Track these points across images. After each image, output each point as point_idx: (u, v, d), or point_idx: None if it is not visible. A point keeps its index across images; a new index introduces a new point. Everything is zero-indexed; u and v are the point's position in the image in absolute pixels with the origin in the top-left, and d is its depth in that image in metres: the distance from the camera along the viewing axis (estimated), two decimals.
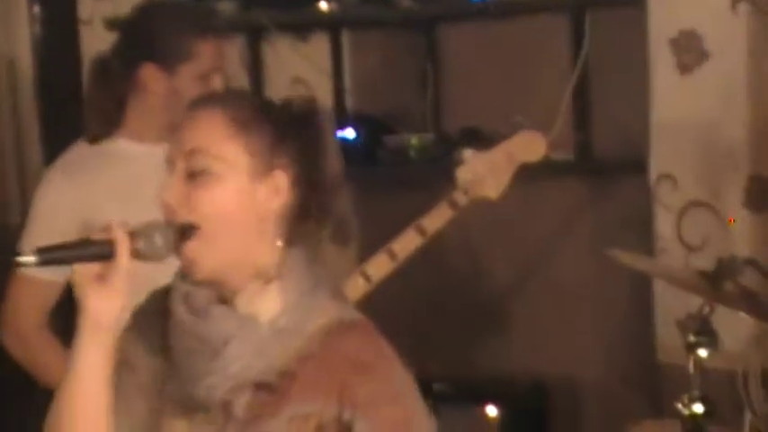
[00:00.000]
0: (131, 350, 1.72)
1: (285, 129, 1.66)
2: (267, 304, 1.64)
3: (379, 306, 2.55)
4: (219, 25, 2.59)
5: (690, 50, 3.03)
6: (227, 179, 1.62)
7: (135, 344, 1.72)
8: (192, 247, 1.62)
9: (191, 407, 1.65)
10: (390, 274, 2.54)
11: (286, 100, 1.71)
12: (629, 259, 2.56)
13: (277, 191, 1.64)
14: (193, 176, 1.62)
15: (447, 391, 3.36)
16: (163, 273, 1.70)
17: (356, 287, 2.55)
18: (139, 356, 1.72)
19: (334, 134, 1.72)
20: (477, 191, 2.55)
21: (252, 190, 1.63)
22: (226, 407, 1.63)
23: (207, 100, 1.70)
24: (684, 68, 3.04)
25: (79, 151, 2.61)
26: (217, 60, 2.51)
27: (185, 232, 1.62)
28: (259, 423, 1.62)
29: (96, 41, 3.75)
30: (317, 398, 1.61)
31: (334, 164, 1.69)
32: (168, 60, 2.47)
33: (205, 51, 2.49)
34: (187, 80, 2.48)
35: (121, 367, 1.69)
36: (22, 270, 2.40)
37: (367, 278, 2.57)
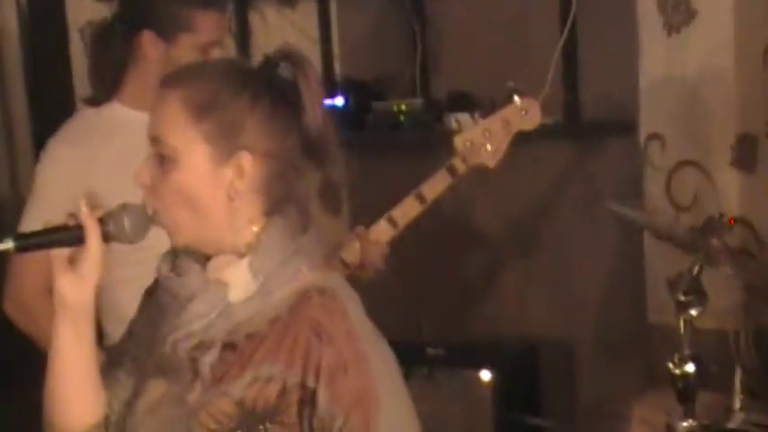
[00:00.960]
0: (137, 322, 1.77)
1: (253, 99, 1.63)
2: (237, 273, 1.64)
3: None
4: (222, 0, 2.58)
5: (677, 10, 3.03)
6: (188, 166, 1.62)
7: (141, 317, 1.77)
8: (162, 223, 1.65)
9: (166, 367, 1.67)
10: (391, 241, 2.56)
11: (267, 58, 1.67)
12: (625, 210, 2.55)
13: (241, 172, 1.62)
14: (160, 161, 1.63)
15: (440, 355, 3.37)
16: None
17: (356, 255, 2.56)
18: (142, 326, 1.76)
19: (316, 86, 1.66)
20: (474, 158, 2.57)
21: (215, 174, 1.62)
22: (193, 364, 1.65)
23: (171, 80, 1.67)
24: (672, 28, 3.04)
25: (81, 118, 2.63)
26: (216, 34, 2.51)
27: (154, 216, 1.65)
28: (222, 383, 1.63)
29: (82, 11, 3.74)
30: (279, 360, 1.61)
31: (318, 116, 1.65)
32: (168, 29, 2.47)
33: (205, 24, 2.48)
34: (186, 50, 2.48)
35: (126, 339, 1.76)
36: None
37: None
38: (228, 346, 1.64)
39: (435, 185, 2.57)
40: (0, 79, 3.74)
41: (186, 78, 1.66)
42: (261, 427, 1.60)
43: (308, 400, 1.59)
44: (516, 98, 2.61)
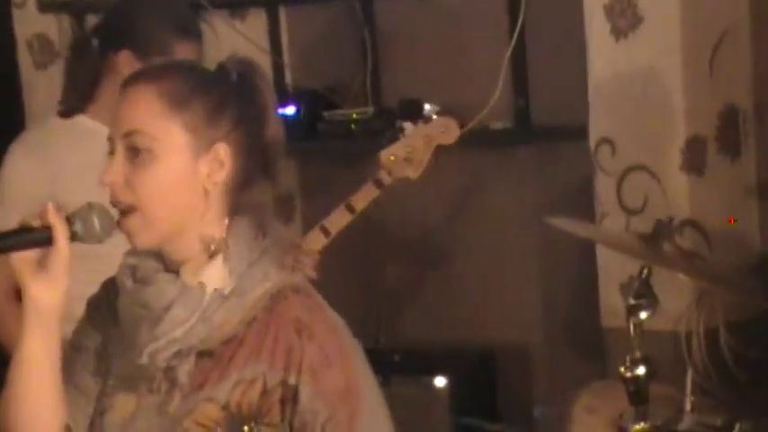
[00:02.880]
0: (83, 334, 1.75)
1: (223, 96, 1.65)
2: (212, 274, 1.64)
3: (325, 277, 2.56)
4: (199, 29, 2.66)
5: (624, 15, 3.05)
6: (168, 158, 1.62)
7: (86, 328, 1.75)
8: (132, 222, 1.62)
9: (136, 379, 1.66)
10: (323, 250, 2.72)
11: (221, 65, 1.69)
12: (569, 226, 2.58)
13: (220, 164, 1.64)
14: (134, 157, 1.62)
15: (396, 362, 3.37)
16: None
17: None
18: (89, 339, 1.74)
19: (273, 93, 1.70)
20: (398, 171, 2.78)
21: (193, 166, 1.63)
22: (169, 374, 1.64)
23: (141, 76, 1.67)
24: (619, 33, 3.06)
25: (47, 125, 2.66)
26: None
27: (126, 211, 1.62)
28: (204, 389, 1.63)
29: (30, 24, 3.72)
30: (261, 361, 1.61)
31: (274, 125, 1.68)
32: (145, 51, 2.53)
33: (181, 51, 2.55)
34: None
35: (73, 352, 1.72)
36: None
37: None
38: (205, 354, 1.64)
39: (364, 197, 2.77)
40: None
41: (158, 74, 1.67)
42: (246, 429, 1.60)
43: (289, 397, 1.60)
44: (435, 116, 2.97)
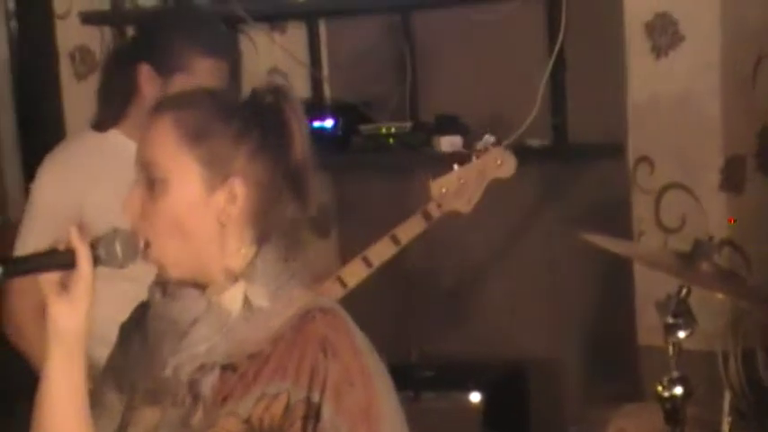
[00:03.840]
0: (116, 355, 1.78)
1: (243, 127, 1.65)
2: (234, 296, 1.66)
3: (358, 295, 2.57)
4: (226, 47, 2.60)
5: (665, 33, 3.05)
6: (181, 191, 1.63)
7: (120, 349, 1.78)
8: (153, 254, 1.65)
9: (161, 393, 1.67)
10: (365, 281, 2.65)
11: (251, 94, 1.70)
12: (607, 243, 2.58)
13: (233, 198, 1.64)
14: (150, 187, 1.64)
15: (429, 377, 3.37)
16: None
17: (332, 292, 2.62)
18: (122, 358, 1.76)
19: (302, 120, 1.69)
20: (449, 204, 2.68)
21: (207, 199, 1.64)
22: (193, 387, 1.65)
23: (163, 106, 1.68)
24: (660, 51, 3.06)
25: (80, 140, 2.64)
26: (212, 80, 2.52)
27: (146, 245, 1.65)
28: (228, 403, 1.63)
29: (72, 36, 3.76)
30: (286, 377, 1.62)
31: (301, 151, 1.67)
32: (165, 66, 2.50)
33: (203, 69, 2.50)
34: (179, 89, 2.50)
35: (106, 371, 1.76)
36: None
37: (343, 284, 2.64)
38: (228, 368, 1.65)
39: (410, 229, 2.68)
40: None
41: (178, 104, 1.68)
42: None
43: (312, 414, 1.60)
44: (492, 148, 2.73)
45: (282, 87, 1.71)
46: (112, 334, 1.82)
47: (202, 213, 1.64)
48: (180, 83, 2.48)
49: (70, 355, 1.64)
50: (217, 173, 1.63)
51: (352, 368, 1.62)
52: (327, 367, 1.61)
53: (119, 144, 2.56)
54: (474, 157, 2.71)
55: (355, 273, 2.64)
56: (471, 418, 3.22)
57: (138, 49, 2.56)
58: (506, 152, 2.74)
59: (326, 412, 1.60)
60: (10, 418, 3.15)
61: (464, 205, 2.69)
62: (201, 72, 2.49)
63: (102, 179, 2.51)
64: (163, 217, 1.63)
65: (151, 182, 1.64)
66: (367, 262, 2.64)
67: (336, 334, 1.64)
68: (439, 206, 2.67)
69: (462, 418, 3.23)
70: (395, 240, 2.66)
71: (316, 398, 1.60)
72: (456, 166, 2.70)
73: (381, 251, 2.65)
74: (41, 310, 2.59)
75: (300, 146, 1.67)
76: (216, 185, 1.63)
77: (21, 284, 2.54)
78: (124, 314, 1.82)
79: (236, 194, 1.64)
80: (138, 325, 1.75)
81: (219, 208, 1.64)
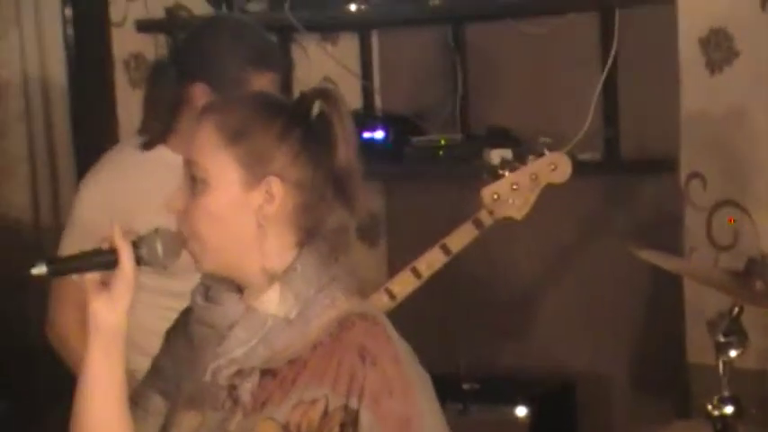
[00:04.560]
0: (161, 360, 1.79)
1: (285, 129, 1.66)
2: (272, 297, 1.66)
3: (405, 305, 2.57)
4: (277, 59, 2.57)
5: (720, 49, 3.02)
6: (219, 189, 1.65)
7: (164, 354, 1.79)
8: (192, 247, 1.68)
9: (202, 397, 1.68)
10: (414, 292, 2.58)
11: (298, 96, 1.71)
12: (659, 259, 2.55)
13: (271, 197, 1.65)
14: (193, 185, 1.67)
15: (476, 390, 3.36)
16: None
17: (381, 304, 2.56)
18: (167, 363, 1.78)
19: (349, 124, 1.69)
20: (501, 211, 2.59)
21: (245, 198, 1.65)
22: (232, 392, 1.66)
23: (208, 109, 1.71)
24: (714, 67, 3.04)
25: (123, 156, 2.61)
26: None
27: (184, 240, 1.67)
28: (266, 409, 1.64)
29: (128, 43, 3.78)
30: (324, 384, 1.62)
31: (347, 156, 1.68)
32: (220, 84, 2.45)
33: (257, 83, 2.47)
34: None
35: (151, 376, 1.77)
36: None
37: (392, 296, 2.58)
38: (268, 373, 1.66)
39: (461, 238, 2.59)
40: (45, 110, 3.78)
41: (222, 106, 1.72)
42: None
43: (349, 422, 1.60)
44: (546, 152, 2.63)
45: (330, 91, 1.71)
46: (149, 344, 1.84)
47: (240, 212, 1.65)
48: None
49: (109, 350, 1.66)
50: (254, 172, 1.65)
51: (391, 377, 1.62)
52: (366, 374, 1.61)
53: (163, 159, 2.52)
54: (527, 162, 2.61)
55: (404, 284, 2.59)
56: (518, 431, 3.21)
57: (189, 65, 2.51)
58: (561, 156, 2.65)
59: (365, 419, 1.60)
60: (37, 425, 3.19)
61: (517, 211, 2.60)
62: (257, 87, 2.46)
63: (151, 197, 2.49)
64: (203, 214, 1.66)
65: (193, 180, 1.67)
66: (416, 273, 2.59)
67: (375, 341, 1.64)
68: (491, 213, 2.59)
69: (508, 431, 3.22)
70: (445, 250, 2.59)
71: (354, 404, 1.60)
72: (507, 173, 2.61)
73: (431, 261, 2.59)
74: (84, 324, 2.62)
75: (345, 150, 1.68)
76: (253, 184, 1.65)
77: (62, 294, 2.57)
78: (163, 326, 1.83)
79: (274, 194, 1.65)
80: (183, 330, 1.77)
81: (256, 207, 1.65)
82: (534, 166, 2.62)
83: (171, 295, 1.83)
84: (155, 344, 1.83)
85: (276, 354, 1.65)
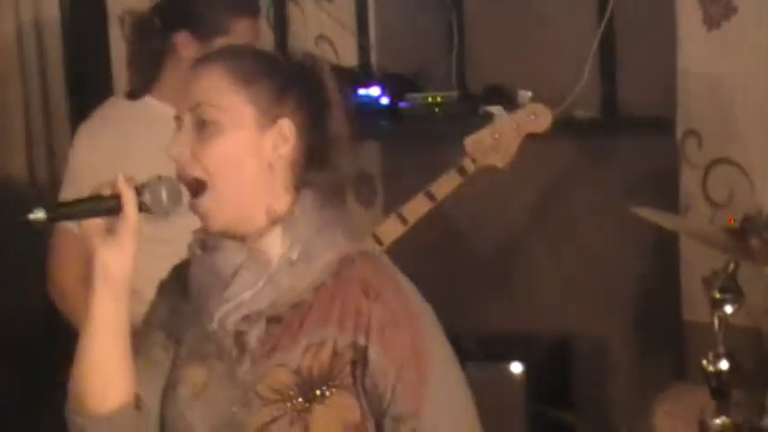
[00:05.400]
0: (155, 314, 1.78)
1: (288, 79, 1.70)
2: (274, 240, 1.68)
3: (402, 262, 2.56)
4: (256, 3, 2.64)
5: (717, 5, 3.01)
6: (233, 130, 1.66)
7: (159, 309, 1.78)
8: (204, 202, 1.66)
9: (207, 349, 1.69)
10: (400, 238, 2.64)
11: (287, 53, 1.75)
12: (656, 217, 2.56)
13: (284, 138, 1.68)
14: (201, 129, 1.66)
15: (472, 348, 3.37)
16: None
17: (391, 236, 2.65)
18: (163, 318, 1.77)
19: (339, 89, 1.73)
20: (484, 159, 2.67)
21: (258, 139, 1.67)
22: (239, 339, 1.67)
23: (209, 56, 1.73)
24: (711, 23, 3.02)
25: (113, 106, 2.66)
26: (250, 38, 2.55)
27: (196, 188, 1.65)
28: (275, 354, 1.65)
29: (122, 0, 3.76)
30: (330, 324, 1.64)
31: (337, 117, 1.71)
32: (204, 31, 2.52)
33: (240, 29, 2.53)
34: None
35: (147, 331, 1.76)
36: (61, 223, 2.45)
37: (378, 241, 2.64)
38: (274, 319, 1.67)
39: (445, 185, 2.67)
40: (40, 66, 3.77)
41: (227, 54, 1.74)
42: (318, 392, 1.62)
43: (360, 358, 1.62)
44: (527, 102, 2.73)
45: (318, 57, 1.76)
46: (146, 291, 1.83)
47: (254, 153, 1.66)
48: (220, 45, 2.49)
49: (118, 298, 1.65)
50: (267, 113, 1.67)
51: (395, 308, 1.64)
52: (371, 309, 1.62)
53: (152, 109, 2.58)
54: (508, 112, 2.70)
55: (391, 229, 2.64)
56: (513, 389, 3.22)
57: (171, 15, 2.57)
58: (540, 106, 2.73)
59: (373, 354, 1.61)
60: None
61: (499, 160, 2.68)
62: (239, 32, 2.52)
63: (138, 144, 2.53)
64: (216, 156, 1.65)
65: (202, 124, 1.66)
66: (402, 219, 2.65)
67: (377, 275, 1.66)
68: (474, 161, 2.66)
69: (505, 388, 3.23)
70: (430, 196, 2.65)
71: (361, 341, 1.62)
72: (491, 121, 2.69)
73: (416, 208, 2.65)
74: (85, 278, 2.63)
75: (337, 115, 1.71)
76: (266, 126, 1.67)
77: (66, 251, 2.57)
78: (156, 274, 1.82)
79: (287, 135, 1.68)
80: (178, 283, 1.76)
81: (269, 148, 1.67)
82: (515, 116, 2.71)
83: (161, 242, 1.83)
84: (148, 290, 1.82)
85: (281, 296, 1.66)
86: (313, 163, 1.70)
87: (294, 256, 1.67)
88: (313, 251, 1.67)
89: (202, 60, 1.72)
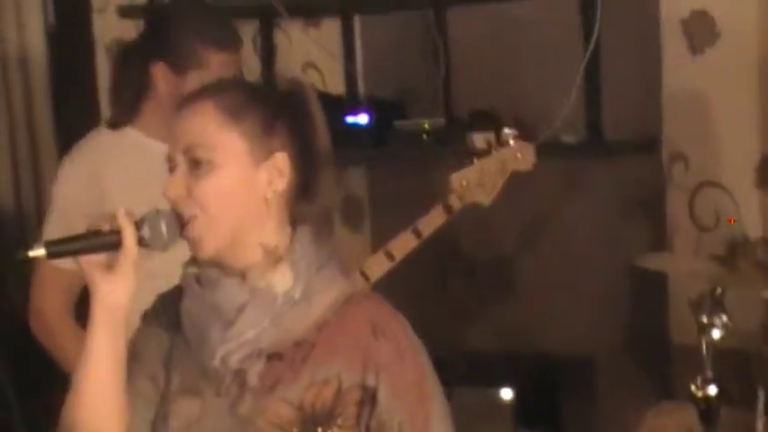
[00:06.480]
0: (141, 344, 1.77)
1: (276, 109, 1.69)
2: (279, 279, 1.67)
3: (390, 289, 2.57)
4: (236, 39, 2.62)
5: (701, 31, 3.03)
6: (228, 167, 1.66)
7: (145, 339, 1.78)
8: (195, 227, 1.66)
9: (201, 383, 1.69)
10: (386, 273, 2.66)
11: (269, 80, 1.75)
12: (643, 261, 2.57)
13: (280, 172, 1.67)
14: (194, 168, 1.66)
15: (460, 372, 3.37)
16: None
17: (377, 271, 2.67)
18: (149, 348, 1.77)
19: (321, 110, 1.73)
20: (470, 196, 2.70)
21: (253, 173, 1.67)
22: (239, 376, 1.67)
23: (196, 94, 1.72)
24: (696, 49, 3.04)
25: (96, 138, 2.65)
26: (226, 73, 2.53)
27: (188, 221, 1.66)
28: (276, 390, 1.65)
29: (110, 29, 3.78)
30: (335, 362, 1.64)
31: (324, 145, 1.71)
32: (180, 64, 2.51)
33: (216, 63, 2.52)
34: (194, 86, 2.50)
35: (131, 361, 1.74)
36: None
37: (365, 277, 2.66)
38: (275, 356, 1.67)
39: (431, 221, 2.69)
40: (26, 94, 3.77)
41: (214, 89, 1.73)
42: (320, 430, 1.62)
43: (367, 399, 1.62)
44: (512, 141, 2.75)
45: (299, 80, 1.75)
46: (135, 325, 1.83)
47: (249, 188, 1.66)
48: (195, 79, 2.49)
49: (116, 332, 1.66)
50: (261, 147, 1.67)
51: (402, 345, 1.65)
52: (379, 349, 1.63)
53: (135, 140, 2.57)
54: (493, 150, 2.74)
55: (378, 266, 2.66)
56: (502, 414, 3.23)
57: (150, 46, 2.56)
58: (526, 145, 2.76)
59: (383, 394, 1.62)
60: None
61: (485, 197, 2.71)
62: (216, 66, 2.51)
63: (122, 175, 2.52)
64: (210, 193, 1.65)
65: (196, 163, 1.66)
66: (389, 256, 2.67)
67: (383, 316, 1.68)
68: (460, 198, 2.69)
69: (494, 414, 3.23)
70: (416, 233, 2.68)
71: (371, 382, 1.62)
72: (476, 160, 2.73)
73: (403, 244, 2.68)
74: (67, 309, 2.61)
75: (322, 135, 1.72)
76: (260, 159, 1.67)
77: (46, 282, 2.56)
78: (143, 307, 1.82)
79: (282, 169, 1.67)
80: (166, 315, 1.76)
81: (265, 183, 1.67)
82: (501, 154, 2.73)
83: (152, 276, 1.83)
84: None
85: (284, 334, 1.66)
86: (304, 195, 1.71)
87: (297, 294, 1.67)
88: (315, 290, 1.68)
89: (189, 99, 1.71)
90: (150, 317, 1.79)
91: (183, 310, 1.72)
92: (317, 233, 1.71)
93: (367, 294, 1.72)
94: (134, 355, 1.76)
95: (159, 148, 2.53)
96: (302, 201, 1.70)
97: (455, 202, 2.69)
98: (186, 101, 1.71)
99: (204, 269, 1.70)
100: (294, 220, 1.70)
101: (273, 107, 1.69)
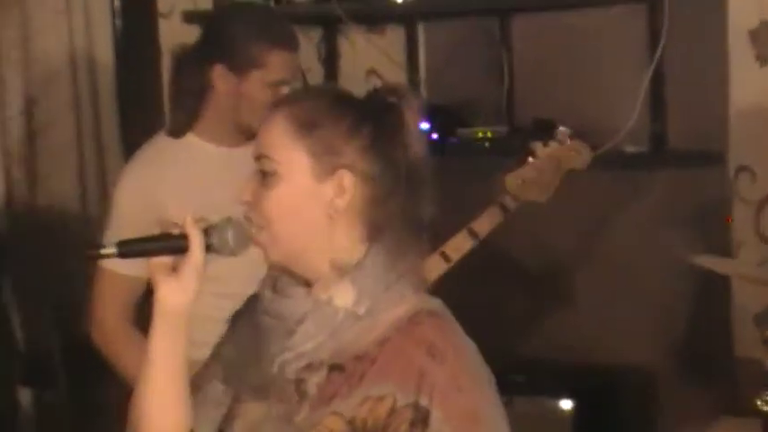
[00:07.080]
0: (221, 346, 1.80)
1: (356, 122, 1.67)
2: (341, 293, 1.66)
3: (449, 298, 2.57)
4: (294, 38, 2.61)
5: None
6: (290, 180, 1.65)
7: (225, 340, 1.80)
8: (260, 237, 1.68)
9: (268, 388, 1.69)
10: (443, 276, 2.62)
11: (368, 93, 1.73)
12: (710, 263, 2.54)
13: (342, 190, 1.66)
14: (263, 179, 1.67)
15: (521, 382, 3.35)
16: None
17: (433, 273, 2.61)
18: (226, 349, 1.79)
19: (418, 122, 1.70)
20: (525, 195, 2.68)
21: (316, 189, 1.66)
22: (299, 385, 1.67)
23: (276, 102, 1.73)
24: (764, 60, 3.01)
25: (157, 145, 2.66)
26: (287, 72, 2.54)
27: (258, 229, 1.68)
28: (332, 403, 1.64)
29: (175, 34, 3.81)
30: (391, 380, 1.62)
31: (413, 151, 1.68)
32: (239, 65, 2.52)
33: (277, 62, 2.52)
34: (255, 86, 2.52)
35: (209, 361, 1.77)
36: (106, 265, 2.47)
37: (447, 259, 2.64)
38: (335, 368, 1.66)
39: (487, 222, 2.67)
40: (93, 100, 3.82)
41: (292, 99, 1.73)
42: None
43: (419, 419, 1.60)
44: (568, 139, 2.74)
45: (404, 87, 1.73)
46: (198, 333, 1.83)
47: (311, 204, 1.66)
48: (256, 79, 2.51)
49: (176, 335, 1.67)
50: (325, 164, 1.65)
51: (459, 373, 1.62)
52: (436, 372, 1.61)
53: (193, 148, 2.58)
54: (548, 148, 2.72)
55: (434, 268, 2.61)
56: (562, 425, 3.20)
57: (208, 49, 2.56)
58: (581, 143, 2.74)
59: (434, 418, 1.59)
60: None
61: (540, 195, 2.69)
62: (276, 65, 2.52)
63: (182, 186, 2.53)
64: (274, 206, 1.66)
65: (264, 174, 1.67)
66: (445, 257, 2.64)
67: (444, 338, 1.65)
68: (515, 198, 2.67)
69: (553, 424, 3.21)
70: (472, 234, 2.66)
71: (425, 402, 1.60)
72: (530, 159, 2.71)
73: (459, 245, 2.65)
74: (126, 316, 2.63)
75: (417, 146, 1.69)
76: (324, 176, 1.65)
77: (105, 290, 2.59)
78: (204, 311, 1.82)
79: (345, 187, 1.66)
80: (248, 317, 1.77)
81: (327, 200, 1.66)
82: (557, 151, 2.72)
83: (217, 279, 1.84)
84: (197, 329, 1.83)
85: (345, 347, 1.66)
86: (388, 208, 1.67)
87: (361, 311, 1.66)
88: (380, 307, 1.66)
89: (272, 106, 1.71)
90: (235, 318, 1.81)
91: (258, 314, 1.73)
92: (395, 249, 1.68)
93: (432, 312, 1.68)
94: (217, 357, 1.79)
95: (217, 153, 2.57)
96: (379, 215, 1.67)
97: (510, 202, 2.67)
98: (270, 107, 1.72)
99: (279, 276, 1.71)
100: (372, 234, 1.68)
101: (352, 119, 1.67)
